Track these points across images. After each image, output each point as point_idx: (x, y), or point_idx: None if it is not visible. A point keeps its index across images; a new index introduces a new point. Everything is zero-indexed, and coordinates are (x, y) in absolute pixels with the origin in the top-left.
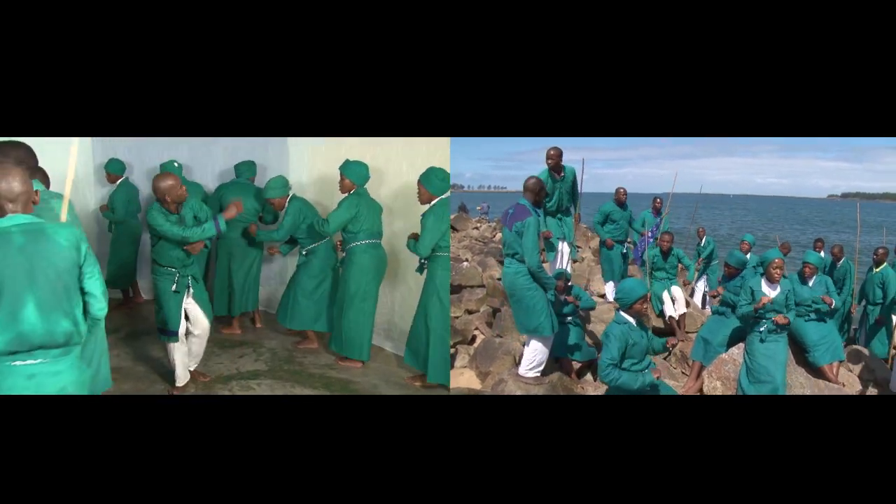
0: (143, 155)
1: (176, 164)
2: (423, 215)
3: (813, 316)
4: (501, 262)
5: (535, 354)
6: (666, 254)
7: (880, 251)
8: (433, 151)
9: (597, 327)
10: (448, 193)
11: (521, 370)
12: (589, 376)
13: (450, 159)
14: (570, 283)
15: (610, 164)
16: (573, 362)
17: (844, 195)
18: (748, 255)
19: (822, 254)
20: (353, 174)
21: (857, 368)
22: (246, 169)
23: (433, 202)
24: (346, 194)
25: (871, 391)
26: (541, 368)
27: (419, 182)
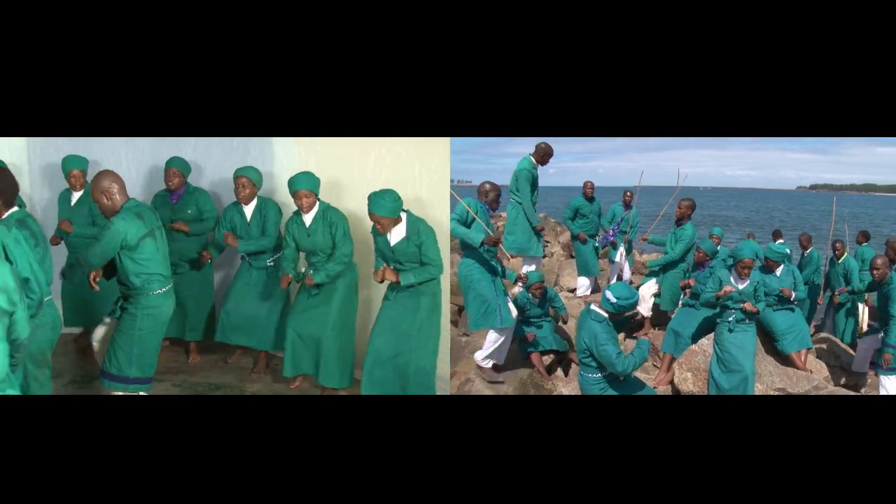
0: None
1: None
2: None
3: (781, 305)
4: None
5: (490, 344)
6: None
7: (837, 245)
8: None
9: (571, 323)
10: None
11: (477, 356)
12: (560, 372)
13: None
14: (544, 285)
15: (579, 158)
16: (542, 358)
17: (813, 186)
18: (717, 248)
19: (782, 241)
20: (316, 185)
21: (825, 355)
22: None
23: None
24: (314, 209)
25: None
26: (492, 360)
27: (377, 214)
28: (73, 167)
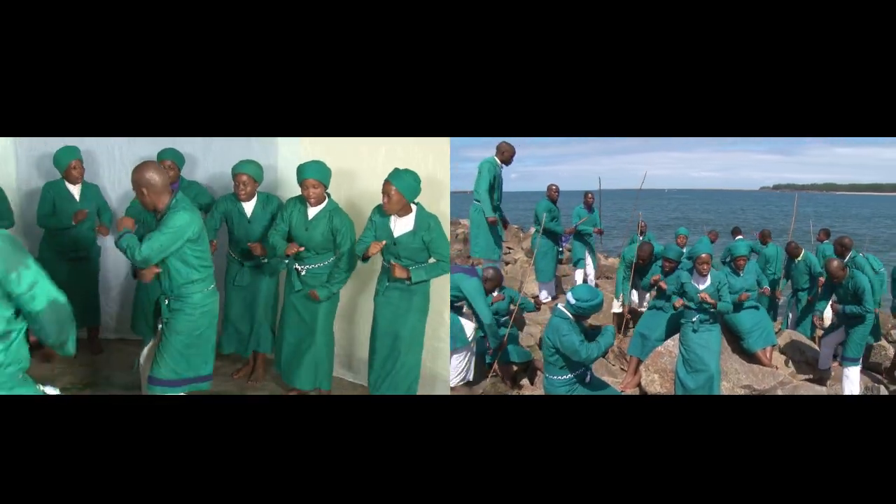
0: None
1: None
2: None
3: (746, 304)
4: None
5: (456, 365)
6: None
7: (791, 245)
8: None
9: (534, 329)
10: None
11: (450, 382)
12: (525, 381)
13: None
14: (502, 285)
15: (542, 161)
16: (510, 367)
17: (776, 186)
18: (684, 249)
19: (741, 237)
20: (327, 177)
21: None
22: None
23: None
24: (322, 204)
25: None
26: (464, 380)
27: (392, 185)
28: (73, 157)
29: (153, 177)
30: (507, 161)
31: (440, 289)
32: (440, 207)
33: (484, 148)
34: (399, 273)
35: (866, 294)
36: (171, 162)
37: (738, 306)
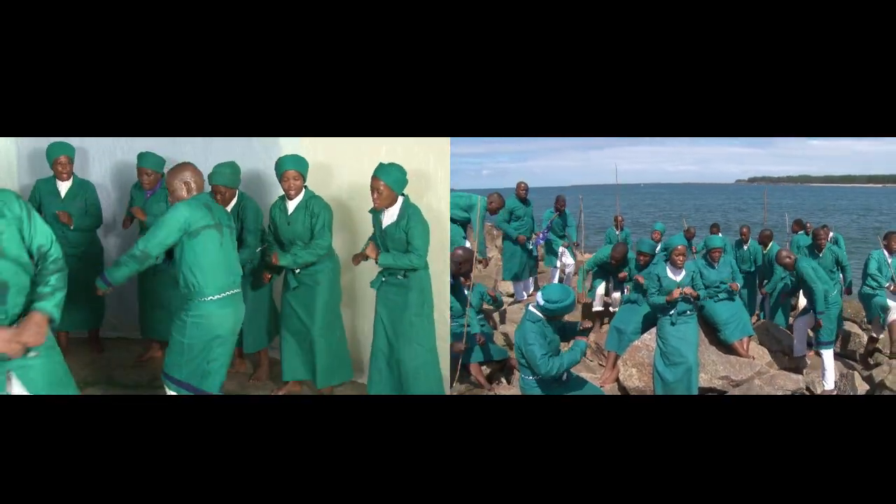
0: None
1: None
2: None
3: (722, 296)
4: None
5: None
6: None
7: (764, 234)
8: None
9: (509, 328)
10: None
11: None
12: (503, 381)
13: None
14: (472, 283)
15: (514, 158)
16: (482, 368)
17: (751, 179)
18: (659, 244)
19: (720, 235)
20: (304, 168)
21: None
22: None
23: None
24: (301, 194)
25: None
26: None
27: (381, 180)
28: (59, 153)
29: (170, 177)
30: (493, 212)
31: (441, 288)
32: (440, 207)
33: (477, 146)
34: (370, 251)
35: (807, 279)
36: (148, 169)
37: (730, 293)
